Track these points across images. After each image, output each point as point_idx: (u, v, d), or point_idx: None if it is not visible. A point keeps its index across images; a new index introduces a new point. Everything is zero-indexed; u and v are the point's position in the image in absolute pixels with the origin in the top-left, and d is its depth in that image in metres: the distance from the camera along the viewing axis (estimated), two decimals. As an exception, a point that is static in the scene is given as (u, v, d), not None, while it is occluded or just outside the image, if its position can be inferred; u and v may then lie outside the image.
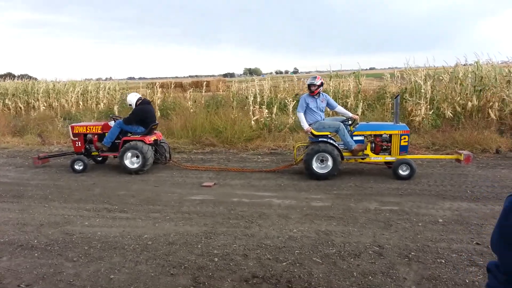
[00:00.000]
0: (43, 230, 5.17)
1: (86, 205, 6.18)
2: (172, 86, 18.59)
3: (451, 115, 11.06)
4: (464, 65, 12.95)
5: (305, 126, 7.53)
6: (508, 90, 10.98)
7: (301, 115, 7.64)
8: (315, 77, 7.73)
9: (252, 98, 12.81)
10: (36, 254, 4.46)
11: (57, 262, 4.25)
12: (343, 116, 7.92)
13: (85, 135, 8.72)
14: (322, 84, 7.69)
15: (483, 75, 11.80)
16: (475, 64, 12.24)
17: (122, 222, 5.40)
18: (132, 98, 8.59)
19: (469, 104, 11.19)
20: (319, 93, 7.66)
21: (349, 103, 13.10)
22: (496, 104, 10.80)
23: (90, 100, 18.73)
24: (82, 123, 9.21)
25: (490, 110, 10.63)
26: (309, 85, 7.66)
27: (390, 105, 12.53)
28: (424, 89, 11.61)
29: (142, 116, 8.35)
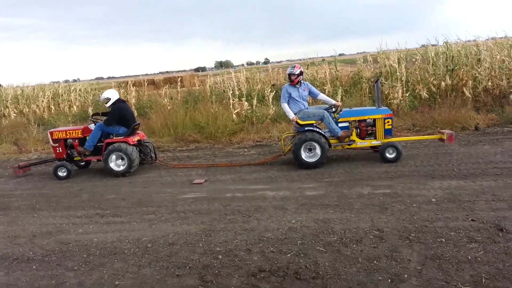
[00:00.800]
0: (36, 241, 5.01)
1: (76, 212, 6.03)
2: (145, 84, 18.28)
3: (426, 95, 11.30)
4: (434, 45, 13.23)
5: (291, 115, 7.55)
6: (479, 68, 11.30)
7: (285, 106, 7.65)
8: (294, 66, 7.73)
9: (231, 92, 12.74)
10: (34, 266, 4.33)
11: (57, 273, 4.13)
12: (325, 104, 7.97)
13: (65, 140, 8.47)
14: (301, 73, 7.69)
15: (454, 55, 12.10)
16: (445, 44, 12.53)
17: (118, 227, 5.30)
18: (113, 95, 8.31)
19: (443, 84, 11.46)
20: (299, 82, 7.66)
21: (326, 90, 13.18)
22: (470, 82, 11.11)
23: (62, 103, 18.18)
24: (61, 128, 8.95)
25: (464, 89, 10.92)
26: (289, 75, 7.66)
27: (367, 89, 12.70)
28: (399, 71, 11.81)
29: (122, 114, 8.16)
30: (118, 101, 8.34)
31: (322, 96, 7.98)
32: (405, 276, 3.51)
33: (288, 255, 4.10)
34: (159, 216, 5.56)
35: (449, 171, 6.37)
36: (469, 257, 3.72)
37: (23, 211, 6.31)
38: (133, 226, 5.27)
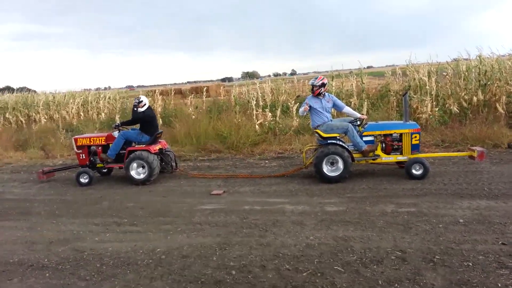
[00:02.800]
0: (53, 248, 5.02)
1: (94, 220, 6.04)
2: (172, 93, 18.47)
3: (457, 110, 10.91)
4: (466, 59, 12.81)
5: (302, 108, 7.41)
6: (514, 83, 10.85)
7: (299, 110, 7.54)
8: (316, 78, 7.61)
9: (254, 102, 12.68)
10: (47, 274, 4.31)
11: (69, 282, 4.10)
12: (350, 117, 7.78)
13: (89, 147, 8.58)
14: (323, 84, 7.52)
15: (487, 69, 11.67)
16: (478, 58, 12.11)
17: (133, 236, 5.25)
18: (147, 101, 8.39)
19: (475, 99, 11.05)
20: (320, 93, 7.50)
21: (352, 102, 12.95)
22: (503, 97, 10.66)
23: (91, 110, 18.58)
24: (85, 135, 9.08)
25: (497, 104, 10.49)
26: (312, 87, 7.53)
27: (394, 103, 12.39)
28: (428, 85, 11.47)
29: (151, 120, 8.25)
30: (149, 108, 8.41)
31: (347, 109, 7.78)
32: (428, 303, 3.29)
33: (304, 273, 3.93)
34: (175, 227, 5.49)
35: (479, 190, 6.06)
36: (499, 284, 3.46)
37: (43, 217, 6.37)
38: (149, 236, 5.21)
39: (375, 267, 3.96)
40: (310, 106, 7.44)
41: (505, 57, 12.53)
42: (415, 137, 7.18)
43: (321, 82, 7.49)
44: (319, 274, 3.90)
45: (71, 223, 5.98)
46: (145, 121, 8.21)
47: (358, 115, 7.62)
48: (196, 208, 6.25)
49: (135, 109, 8.24)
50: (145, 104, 8.28)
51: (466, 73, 11.94)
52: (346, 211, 5.62)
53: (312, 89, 7.52)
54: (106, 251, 4.80)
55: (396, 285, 3.60)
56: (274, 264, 4.18)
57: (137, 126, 8.45)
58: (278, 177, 7.86)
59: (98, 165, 8.59)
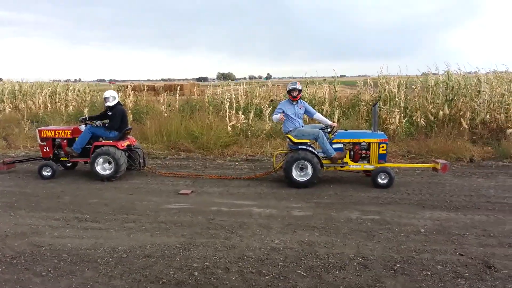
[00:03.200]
0: (8, 242, 4.81)
1: (55, 214, 5.83)
2: (145, 89, 18.17)
3: (423, 123, 11.23)
4: (435, 74, 13.21)
5: (278, 116, 7.44)
6: (478, 100, 11.27)
7: (274, 116, 7.58)
8: (296, 83, 7.66)
9: (228, 103, 12.64)
10: (0, 269, 4.13)
11: (24, 278, 3.94)
12: (321, 123, 7.86)
13: (53, 139, 8.30)
14: (300, 90, 7.63)
15: (454, 85, 12.08)
16: (446, 73, 12.52)
17: (94, 233, 5.11)
18: (116, 96, 8.18)
19: (441, 113, 11.40)
20: (298, 99, 7.59)
21: (324, 110, 13.11)
22: (468, 113, 11.05)
23: (59, 102, 18.02)
24: (50, 127, 8.78)
25: (462, 119, 10.86)
26: (291, 90, 7.54)
27: (364, 113, 12.63)
28: (398, 97, 11.76)
29: (122, 116, 8.07)
30: (119, 103, 8.23)
31: (318, 116, 7.87)
32: (386, 309, 3.34)
33: (267, 277, 3.93)
34: (139, 225, 5.38)
35: (440, 202, 6.23)
36: (455, 294, 3.56)
37: (0, 209, 6.10)
38: (111, 234, 5.08)
39: (337, 272, 4.00)
40: (283, 112, 7.49)
41: (471, 74, 13.00)
42: (383, 147, 7.33)
43: (301, 87, 7.57)
44: (282, 278, 3.90)
45: (30, 216, 5.76)
46: (115, 116, 8.02)
47: (329, 122, 7.72)
48: (162, 207, 6.15)
49: (106, 103, 8.06)
50: (115, 99, 8.10)
51: (434, 88, 12.33)
52: (312, 216, 5.66)
53: (291, 93, 7.53)
54: (65, 247, 4.65)
55: (357, 291, 3.64)
56: (238, 266, 4.16)
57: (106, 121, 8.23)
58: (247, 180, 7.84)
59: (62, 159, 8.33)
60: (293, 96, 7.52)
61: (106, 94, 8.16)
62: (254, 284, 3.80)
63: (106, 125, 8.06)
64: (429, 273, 3.95)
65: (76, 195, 6.85)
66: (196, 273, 4.01)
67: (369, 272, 4.00)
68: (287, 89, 7.67)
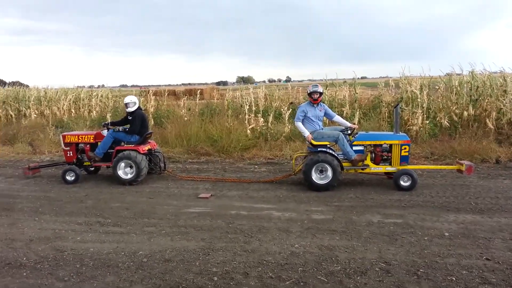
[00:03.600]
0: (32, 246, 4.92)
1: (78, 219, 5.94)
2: (166, 93, 18.37)
3: (447, 124, 10.97)
4: (459, 74, 12.90)
5: (306, 133, 7.36)
6: (504, 100, 10.94)
7: (299, 124, 7.49)
8: (317, 85, 7.58)
9: (247, 107, 12.65)
10: (25, 273, 4.21)
11: (47, 282, 4.01)
12: (340, 125, 7.77)
13: (77, 144, 8.46)
14: (321, 93, 7.56)
15: (479, 85, 11.77)
16: (470, 73, 12.21)
17: (116, 237, 5.16)
18: (136, 101, 8.30)
19: (465, 113, 11.13)
20: (319, 102, 7.53)
21: (344, 111, 12.98)
22: (493, 113, 10.74)
23: (83, 108, 18.42)
24: (74, 132, 8.95)
25: (487, 120, 10.56)
26: (312, 93, 7.46)
27: (386, 114, 12.44)
28: (420, 98, 11.53)
29: (142, 121, 8.18)
30: (139, 108, 8.35)
31: (337, 118, 7.78)
32: (409, 316, 3.25)
33: (287, 282, 3.89)
34: (160, 229, 5.42)
35: (465, 204, 6.06)
36: (481, 301, 3.44)
37: (25, 214, 6.26)
38: (132, 238, 5.12)
39: (358, 278, 3.93)
40: (304, 115, 7.43)
41: (497, 74, 12.63)
42: (405, 148, 7.19)
43: (322, 89, 7.50)
44: (302, 284, 3.85)
45: (54, 221, 5.88)
46: (135, 121, 8.12)
47: (349, 124, 7.62)
48: (182, 211, 6.18)
49: (127, 109, 8.18)
50: (135, 104, 8.21)
51: (458, 88, 12.03)
52: (333, 220, 5.59)
53: (312, 96, 7.46)
54: (87, 252, 4.71)
55: (379, 297, 3.56)
56: (257, 271, 4.13)
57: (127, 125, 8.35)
58: (267, 183, 7.81)
59: (85, 163, 8.48)
60: (314, 98, 7.45)
61: (127, 99, 8.29)
62: (273, 289, 3.76)
63: (127, 129, 8.17)
64: (454, 279, 3.83)
65: (98, 199, 6.96)
66: (215, 278, 4.00)
67: (392, 277, 3.90)
68: (308, 92, 7.60)
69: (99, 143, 8.26)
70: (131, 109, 8.17)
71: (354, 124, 8.06)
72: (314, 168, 7.10)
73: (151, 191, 7.44)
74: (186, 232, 5.28)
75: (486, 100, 11.35)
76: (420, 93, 11.68)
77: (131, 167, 7.85)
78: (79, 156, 8.46)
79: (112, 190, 7.59)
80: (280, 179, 7.96)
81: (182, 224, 5.60)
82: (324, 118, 8.05)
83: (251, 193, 7.13)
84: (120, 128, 8.23)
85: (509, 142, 9.83)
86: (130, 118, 8.24)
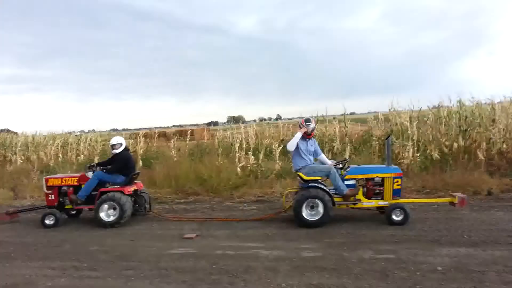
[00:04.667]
0: (-2, 295, 4.58)
1: (52, 263, 5.59)
2: (156, 135, 18.27)
3: (438, 156, 10.86)
4: (447, 106, 12.95)
5: (298, 135, 7.16)
6: (493, 129, 10.91)
7: (289, 144, 7.28)
8: (310, 120, 7.38)
9: (238, 145, 12.53)
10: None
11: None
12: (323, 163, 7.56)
13: (60, 187, 8.19)
14: (314, 127, 7.42)
15: (467, 115, 11.79)
16: (458, 104, 12.25)
17: (90, 282, 4.84)
18: (123, 142, 8.16)
19: (455, 145, 11.06)
20: (311, 137, 7.40)
21: (335, 147, 12.90)
22: (483, 144, 10.68)
23: (70, 152, 18.14)
24: (57, 175, 8.69)
25: (477, 151, 10.48)
26: (306, 125, 7.26)
27: (376, 148, 12.35)
28: (410, 131, 11.49)
29: (127, 162, 7.98)
30: (126, 149, 8.22)
31: (322, 157, 7.62)
32: None
33: (272, 326, 3.58)
34: (139, 272, 5.09)
35: (458, 238, 5.85)
36: None
37: (-4, 260, 5.89)
38: (107, 283, 4.80)
39: (348, 318, 3.63)
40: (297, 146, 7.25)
41: (485, 104, 12.67)
42: (397, 181, 7.01)
43: (314, 124, 7.35)
44: (287, 326, 3.55)
45: (26, 266, 5.53)
46: (117, 161, 7.94)
47: (329, 162, 7.47)
48: (164, 253, 5.87)
49: (113, 150, 8.03)
50: (121, 145, 8.06)
51: (447, 119, 12.04)
52: (323, 257, 5.32)
53: (304, 128, 7.25)
54: (58, 299, 4.38)
55: None
56: (239, 314, 3.82)
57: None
58: (256, 221, 7.54)
59: (66, 206, 8.18)
60: (308, 133, 7.32)
61: (113, 141, 8.16)
62: (256, 334, 3.45)
63: (104, 170, 7.96)
64: (451, 316, 3.55)
65: (76, 243, 6.62)
66: (193, 324, 3.68)
67: (384, 316, 3.61)
68: (301, 125, 7.40)
69: (82, 185, 8.00)
70: (117, 150, 8.03)
71: (344, 158, 7.90)
72: (305, 204, 6.86)
73: (133, 233, 7.12)
74: (166, 275, 4.96)
75: (476, 130, 11.33)
76: (409, 126, 11.65)
77: (114, 208, 7.56)
78: (61, 199, 8.17)
79: (92, 233, 7.25)
80: (269, 216, 7.69)
81: (163, 266, 5.29)
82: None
83: (239, 232, 6.85)
84: (99, 168, 8.02)
85: (500, 173, 9.72)
86: (114, 159, 8.07)
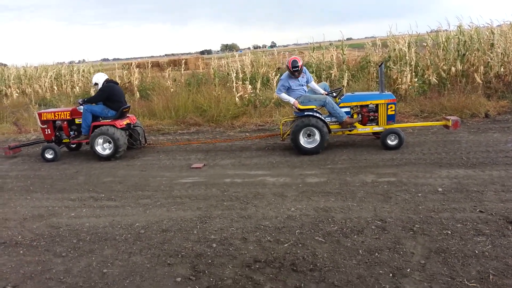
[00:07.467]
0: (27, 225, 4.86)
1: (70, 195, 5.87)
2: (149, 65, 17.99)
3: (436, 81, 10.94)
4: (446, 30, 12.77)
5: (291, 100, 7.26)
6: (492, 53, 10.91)
7: (282, 95, 7.36)
8: (296, 60, 7.19)
9: (234, 74, 12.45)
10: (21, 251, 4.17)
11: (44, 259, 3.98)
12: (314, 91, 7.63)
13: (54, 121, 8.28)
14: (302, 66, 7.33)
15: (466, 39, 11.68)
16: (458, 28, 12.09)
17: (111, 211, 5.13)
18: (100, 77, 8.13)
19: (453, 69, 11.10)
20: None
21: (332, 74, 12.87)
22: (481, 68, 10.73)
23: (65, 84, 17.96)
24: (49, 110, 8.73)
25: (475, 74, 10.55)
26: (292, 68, 7.20)
27: (374, 74, 12.36)
28: (408, 56, 11.44)
29: (108, 93, 7.88)
30: (107, 81, 8.11)
31: (312, 84, 7.65)
32: (408, 270, 3.31)
33: (286, 245, 3.91)
34: (155, 200, 5.39)
35: (457, 160, 6.12)
36: (476, 251, 3.50)
37: (16, 193, 6.16)
38: (127, 211, 5.10)
39: (355, 236, 3.96)
40: (288, 87, 7.29)
41: (484, 27, 12.51)
42: (391, 107, 7.16)
43: (301, 63, 7.22)
44: (300, 245, 3.88)
45: (46, 198, 5.81)
46: (98, 93, 7.95)
47: (322, 91, 7.52)
48: (175, 182, 6.15)
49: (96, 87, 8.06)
50: (97, 84, 8.05)
51: (446, 44, 11.94)
52: (327, 182, 5.61)
53: (294, 73, 7.22)
54: (83, 227, 4.68)
55: (377, 254, 3.61)
56: (255, 236, 4.14)
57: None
58: (259, 150, 7.79)
59: (64, 140, 8.37)
60: (295, 75, 7.26)
61: (93, 80, 8.21)
62: (272, 252, 3.79)
63: (85, 100, 8.01)
64: (449, 232, 3.89)
65: (90, 175, 6.88)
66: (214, 245, 4.01)
67: (388, 234, 3.95)
68: (287, 66, 7.29)
69: (76, 119, 8.09)
70: (99, 86, 8.03)
71: (342, 85, 7.98)
72: (301, 133, 7.06)
73: (143, 164, 7.37)
74: (181, 202, 5.26)
75: (474, 55, 11.31)
76: (408, 51, 11.57)
77: (109, 142, 7.70)
78: (57, 133, 8.31)
79: (103, 165, 7.49)
80: (265, 136, 8.29)
81: (177, 194, 5.58)
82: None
83: (244, 161, 7.10)
84: (80, 100, 8.06)
85: (497, 96, 9.88)
86: None
